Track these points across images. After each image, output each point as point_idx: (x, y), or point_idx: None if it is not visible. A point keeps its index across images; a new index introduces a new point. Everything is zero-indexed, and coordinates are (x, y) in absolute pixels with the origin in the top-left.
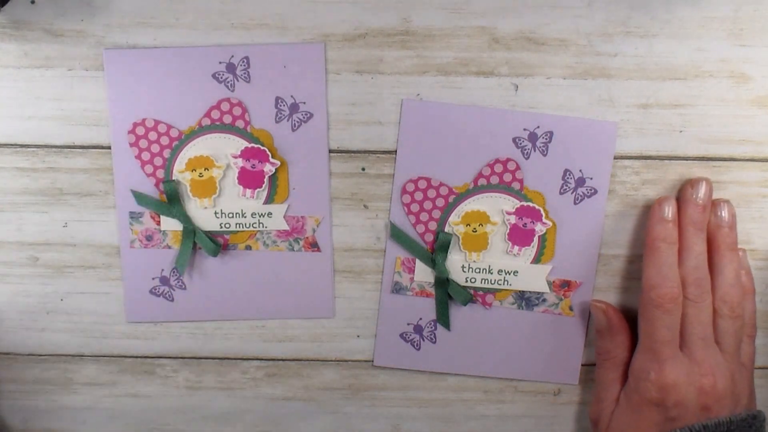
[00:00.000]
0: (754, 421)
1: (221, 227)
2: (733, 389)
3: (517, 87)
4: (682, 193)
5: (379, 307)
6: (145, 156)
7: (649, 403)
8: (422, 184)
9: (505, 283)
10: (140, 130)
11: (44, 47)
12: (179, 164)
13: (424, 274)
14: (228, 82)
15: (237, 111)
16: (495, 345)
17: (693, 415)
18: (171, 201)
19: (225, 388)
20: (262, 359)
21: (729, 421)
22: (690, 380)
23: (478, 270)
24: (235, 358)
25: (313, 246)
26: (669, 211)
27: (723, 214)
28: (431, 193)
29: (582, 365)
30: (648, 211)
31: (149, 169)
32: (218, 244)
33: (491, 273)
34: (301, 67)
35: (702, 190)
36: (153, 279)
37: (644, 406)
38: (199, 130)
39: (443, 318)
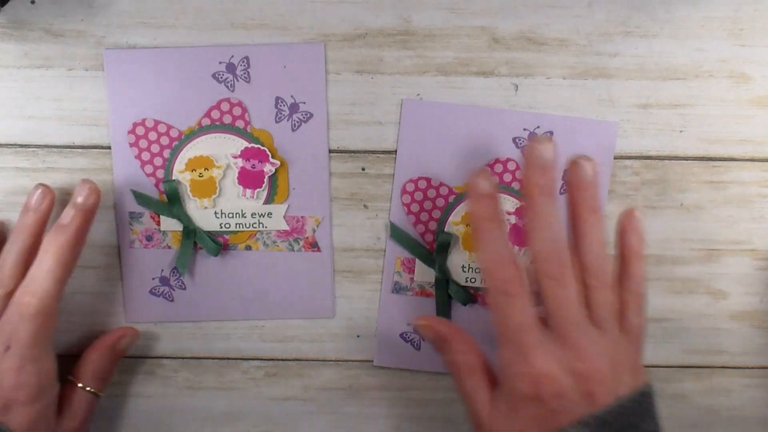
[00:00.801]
0: (644, 398)
1: (221, 227)
2: (614, 368)
3: (517, 87)
4: (523, 154)
5: (379, 307)
6: (145, 156)
7: (525, 399)
8: (422, 184)
9: None
10: (140, 130)
11: (44, 47)
12: (179, 164)
13: (424, 274)
14: (228, 82)
15: (237, 111)
16: (495, 345)
17: (577, 405)
18: (171, 201)
19: (225, 388)
20: (262, 359)
21: (619, 405)
22: (564, 367)
23: (478, 270)
24: (235, 358)
25: (313, 246)
26: (485, 185)
27: (582, 172)
28: (431, 193)
29: None
30: (648, 212)
31: (149, 169)
32: (219, 243)
33: None
34: (301, 67)
35: (543, 148)
36: (153, 279)
37: (521, 403)
38: (199, 130)
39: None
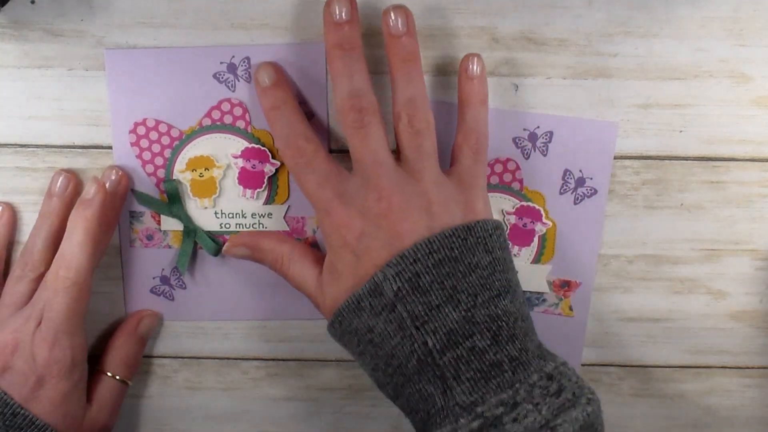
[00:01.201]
0: (470, 233)
1: (221, 227)
2: (427, 208)
3: (517, 87)
4: (324, 15)
5: None
6: (146, 156)
7: (338, 253)
8: None
9: None
10: (141, 130)
11: (44, 47)
12: (180, 164)
13: None
14: (229, 82)
15: (238, 111)
16: None
17: (383, 246)
18: (171, 201)
19: (225, 388)
20: (262, 359)
21: (431, 241)
22: (362, 210)
23: None
24: (235, 358)
25: (314, 246)
26: (342, 12)
27: (395, 22)
28: None
29: (582, 365)
30: (648, 212)
31: (150, 168)
32: (219, 243)
33: None
34: (302, 67)
35: (337, 4)
36: (153, 278)
37: (336, 258)
38: (199, 130)
39: None
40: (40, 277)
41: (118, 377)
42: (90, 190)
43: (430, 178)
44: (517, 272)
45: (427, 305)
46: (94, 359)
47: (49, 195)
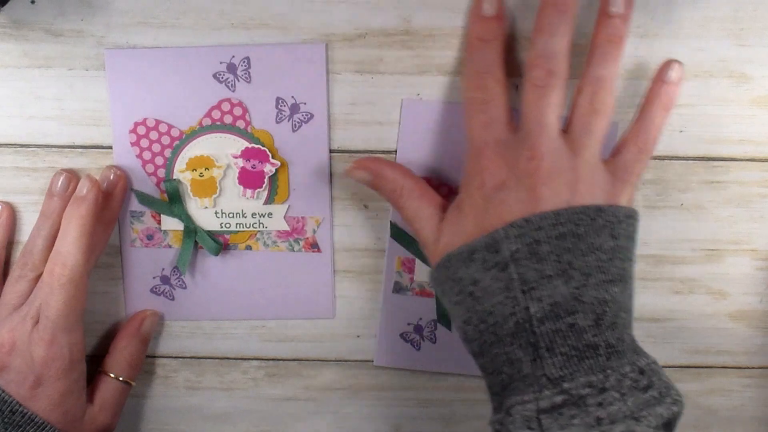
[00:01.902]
0: (600, 214)
1: (221, 227)
2: (573, 182)
3: (518, 87)
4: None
5: (380, 307)
6: (146, 155)
7: (471, 192)
8: None
9: None
10: (141, 130)
11: (44, 47)
12: (180, 164)
13: (424, 274)
14: (229, 82)
15: (238, 111)
16: None
17: (517, 202)
18: (172, 200)
19: (225, 388)
20: (262, 359)
21: (561, 213)
22: (512, 162)
23: None
24: (235, 358)
25: (314, 246)
26: (489, 8)
27: (616, 1)
28: None
29: None
30: (648, 212)
31: (150, 168)
32: (219, 243)
33: None
34: (302, 67)
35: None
36: (154, 278)
37: (468, 198)
38: (199, 130)
39: (444, 318)
40: (39, 277)
41: (121, 378)
42: (83, 188)
43: (586, 157)
44: (635, 264)
45: (539, 273)
46: (96, 360)
47: (49, 195)
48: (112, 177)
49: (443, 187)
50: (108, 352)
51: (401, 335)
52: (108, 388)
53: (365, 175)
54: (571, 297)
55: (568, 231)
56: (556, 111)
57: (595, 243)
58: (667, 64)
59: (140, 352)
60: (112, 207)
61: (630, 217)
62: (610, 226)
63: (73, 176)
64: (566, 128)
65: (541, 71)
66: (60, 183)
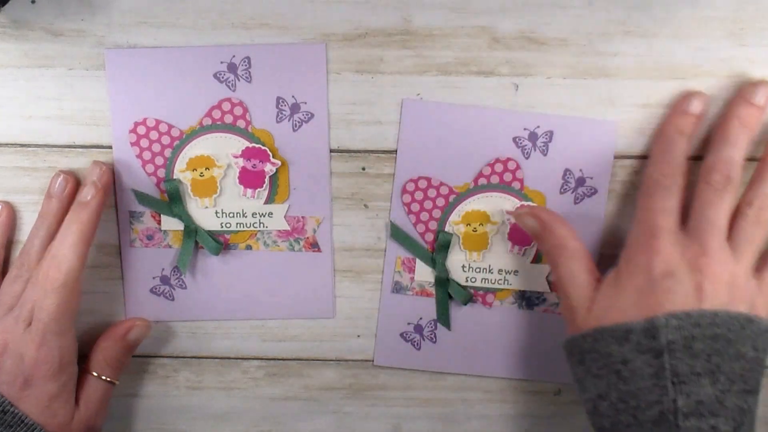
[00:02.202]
0: (749, 324)
1: (222, 227)
2: (732, 287)
3: (518, 87)
4: (738, 92)
5: (380, 307)
6: (146, 155)
7: (636, 271)
8: (422, 184)
9: (506, 282)
10: (141, 130)
11: (44, 47)
12: (180, 164)
13: (424, 273)
14: (229, 81)
15: (238, 111)
16: (495, 345)
17: (682, 294)
18: (172, 200)
19: (225, 388)
20: (262, 359)
21: (719, 314)
22: (684, 254)
23: (478, 269)
24: (235, 358)
25: (314, 246)
26: (692, 106)
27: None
28: (431, 193)
29: None
30: None
31: (150, 168)
32: (220, 242)
33: (491, 273)
34: (303, 67)
35: (762, 92)
36: (153, 278)
37: (632, 275)
38: (200, 130)
39: (444, 318)
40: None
41: (104, 377)
42: (87, 194)
43: (745, 265)
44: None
45: (690, 368)
46: (83, 359)
47: (48, 196)
48: (100, 171)
49: (443, 186)
50: (91, 351)
51: (401, 335)
52: (91, 387)
53: (533, 224)
54: (715, 399)
55: (721, 334)
56: (728, 215)
57: (741, 351)
58: None
59: (122, 356)
60: (105, 201)
61: (767, 331)
62: (754, 337)
63: (71, 177)
64: (729, 233)
65: (720, 176)
66: (58, 184)
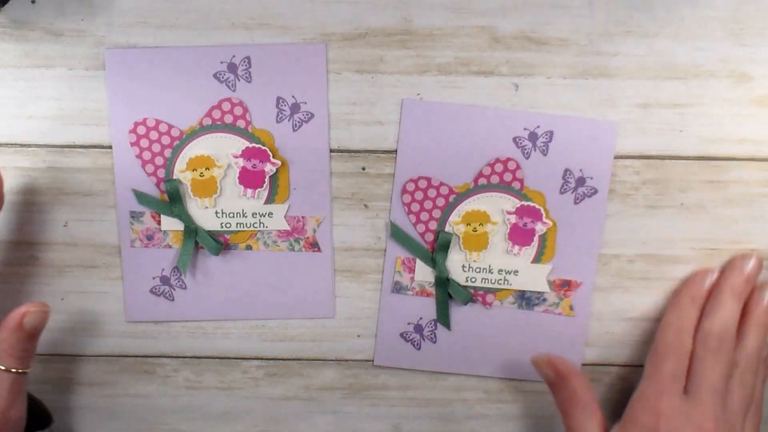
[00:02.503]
0: None
1: (222, 227)
2: None
3: (518, 87)
4: (729, 262)
5: (380, 307)
6: (146, 155)
7: (641, 430)
8: (422, 184)
9: (506, 282)
10: (141, 130)
11: (44, 47)
12: (180, 164)
13: (424, 273)
14: (229, 81)
15: (238, 111)
16: (495, 345)
17: None
18: (172, 200)
19: (225, 388)
20: (262, 359)
21: None
22: (688, 417)
23: (478, 269)
24: (235, 358)
25: (314, 246)
26: (707, 281)
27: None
28: (431, 193)
29: (583, 365)
30: (648, 212)
31: (150, 168)
32: (220, 242)
33: (491, 272)
34: (303, 67)
35: (752, 263)
36: (153, 278)
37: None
38: (200, 130)
39: (443, 318)
40: None
41: (12, 369)
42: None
43: (740, 424)
44: None
45: None
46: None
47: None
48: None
49: (443, 186)
50: None
51: (401, 335)
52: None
53: (550, 374)
54: None
55: None
56: (720, 377)
57: None
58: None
59: (23, 344)
60: None
61: None
62: None
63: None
64: (726, 400)
65: (717, 341)
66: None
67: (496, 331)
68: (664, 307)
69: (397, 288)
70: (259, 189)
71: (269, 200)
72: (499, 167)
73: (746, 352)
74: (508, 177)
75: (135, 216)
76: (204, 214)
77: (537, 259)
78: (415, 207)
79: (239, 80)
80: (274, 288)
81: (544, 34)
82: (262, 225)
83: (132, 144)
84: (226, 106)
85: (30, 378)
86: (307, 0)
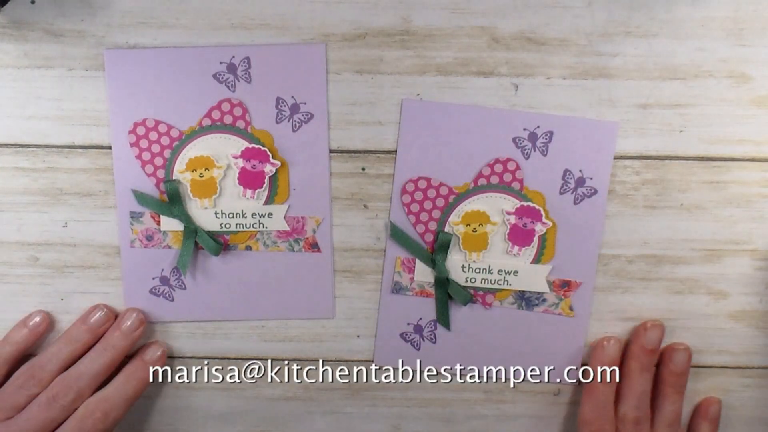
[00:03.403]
0: None
1: (221, 227)
2: None
3: (517, 87)
4: (633, 333)
5: (379, 307)
6: (146, 156)
7: None
8: (422, 184)
9: (505, 283)
10: (141, 130)
11: (44, 47)
12: (180, 164)
13: (424, 274)
14: (229, 82)
15: (238, 111)
16: (495, 345)
17: None
18: (172, 201)
19: (225, 388)
20: (262, 359)
21: None
22: None
23: (478, 270)
24: (235, 358)
25: (314, 246)
26: (613, 350)
27: (678, 360)
28: (431, 193)
29: (582, 365)
30: (648, 212)
31: (150, 169)
32: (220, 243)
33: (491, 273)
34: (302, 67)
35: (653, 335)
36: (153, 279)
37: None
38: (199, 131)
39: (443, 318)
40: (37, 394)
41: None
42: (154, 354)
43: None
44: None
45: None
46: None
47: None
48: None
49: (443, 186)
50: None
51: (401, 335)
52: None
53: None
54: None
55: None
56: None
57: None
58: (707, 405)
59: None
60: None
61: None
62: None
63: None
64: None
65: (635, 427)
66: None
67: (496, 331)
68: (581, 396)
69: (397, 288)
70: (258, 189)
71: (269, 201)
72: (498, 167)
73: (665, 417)
74: (507, 177)
75: (135, 216)
76: (204, 215)
77: (537, 260)
78: (415, 207)
79: (239, 81)
80: (273, 288)
81: (544, 35)
82: (261, 225)
83: (132, 144)
84: (226, 107)
85: None
86: (307, 0)
